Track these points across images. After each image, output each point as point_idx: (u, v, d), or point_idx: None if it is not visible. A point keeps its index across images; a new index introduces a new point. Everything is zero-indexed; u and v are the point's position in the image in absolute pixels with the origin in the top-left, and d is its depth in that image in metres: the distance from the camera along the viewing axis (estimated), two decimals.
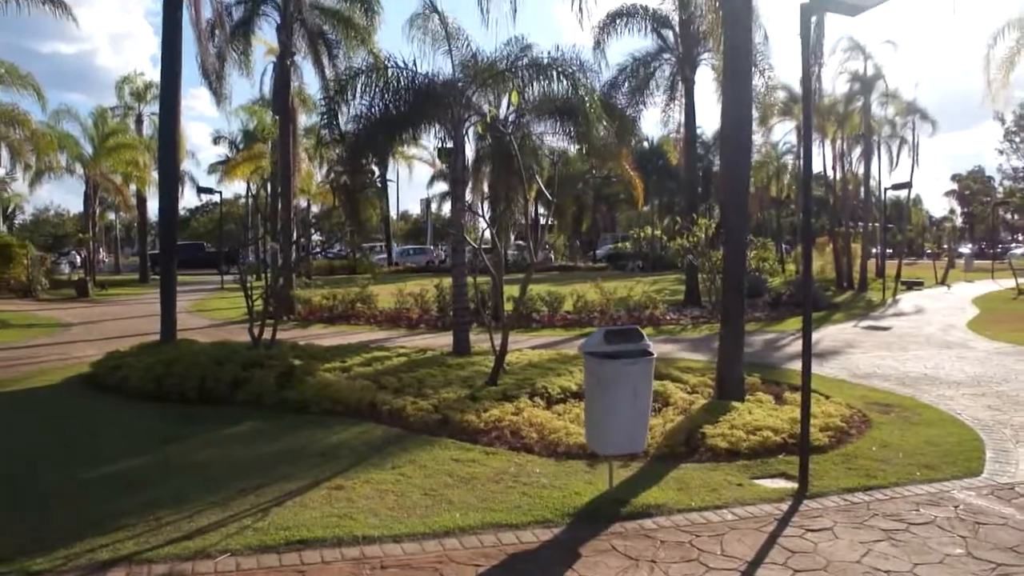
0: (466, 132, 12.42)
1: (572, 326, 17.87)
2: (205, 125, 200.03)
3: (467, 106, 11.99)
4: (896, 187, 32.25)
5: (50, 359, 12.99)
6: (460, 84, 12.20)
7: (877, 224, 36.43)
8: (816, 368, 11.81)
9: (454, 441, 7.47)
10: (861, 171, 33.96)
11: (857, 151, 33.51)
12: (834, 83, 36.14)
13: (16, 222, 56.45)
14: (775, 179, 43.13)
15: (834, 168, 33.01)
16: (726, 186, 8.96)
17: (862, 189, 34.82)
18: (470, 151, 14.64)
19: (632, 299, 20.00)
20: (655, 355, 5.80)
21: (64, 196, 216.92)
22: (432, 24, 12.53)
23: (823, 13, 6.00)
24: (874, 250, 35.59)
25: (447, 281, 16.07)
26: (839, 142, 31.94)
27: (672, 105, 24.05)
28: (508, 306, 19.70)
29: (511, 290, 20.28)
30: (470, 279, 13.44)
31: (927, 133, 37.60)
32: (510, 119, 14.89)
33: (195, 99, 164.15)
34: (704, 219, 19.58)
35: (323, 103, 12.45)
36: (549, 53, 12.84)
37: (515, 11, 10.73)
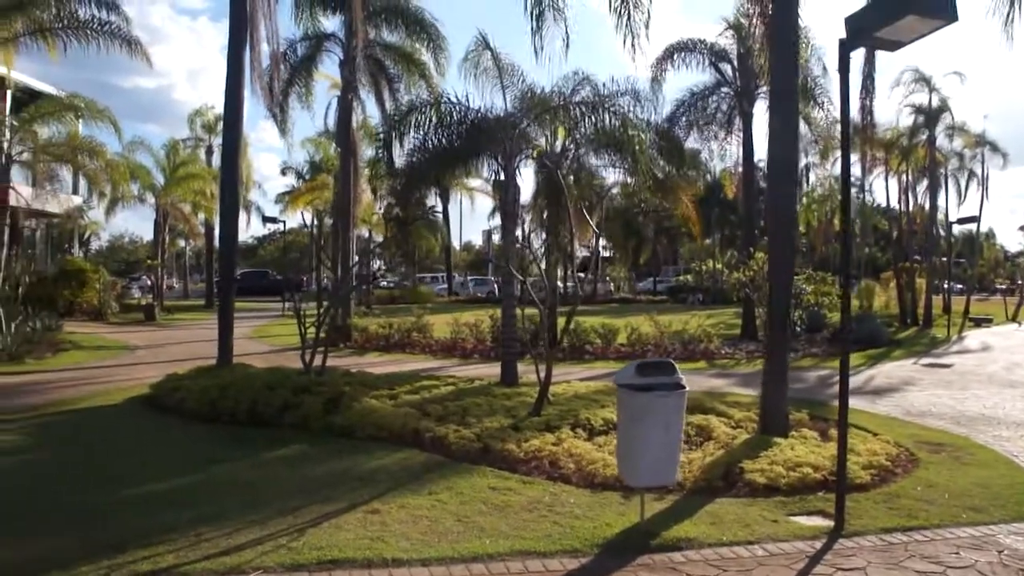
0: (517, 166, 12.61)
1: (625, 359, 17.75)
2: (275, 156, 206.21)
3: (519, 141, 12.18)
4: (962, 221, 31.48)
5: (115, 380, 13.50)
6: (512, 119, 12.41)
7: (945, 259, 35.47)
8: (868, 405, 11.63)
9: (493, 470, 7.53)
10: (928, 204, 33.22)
11: (924, 184, 32.81)
12: (898, 115, 35.55)
13: (92, 248, 58.68)
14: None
15: (900, 202, 32.38)
16: (770, 221, 8.93)
17: (929, 223, 34.02)
18: (529, 184, 14.94)
19: (687, 332, 19.84)
20: (688, 388, 5.82)
21: (139, 224, 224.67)
22: (485, 60, 12.81)
23: (867, 47, 6.01)
24: (944, 285, 34.64)
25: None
26: (905, 175, 31.33)
27: (730, 139, 24.00)
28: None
29: (563, 322, 20.41)
30: (520, 311, 13.55)
31: (998, 166, 36.64)
32: (568, 152, 15.11)
33: (265, 131, 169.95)
34: (762, 252, 19.39)
35: (380, 137, 12.80)
36: (605, 85, 13.06)
37: (567, 47, 10.93)
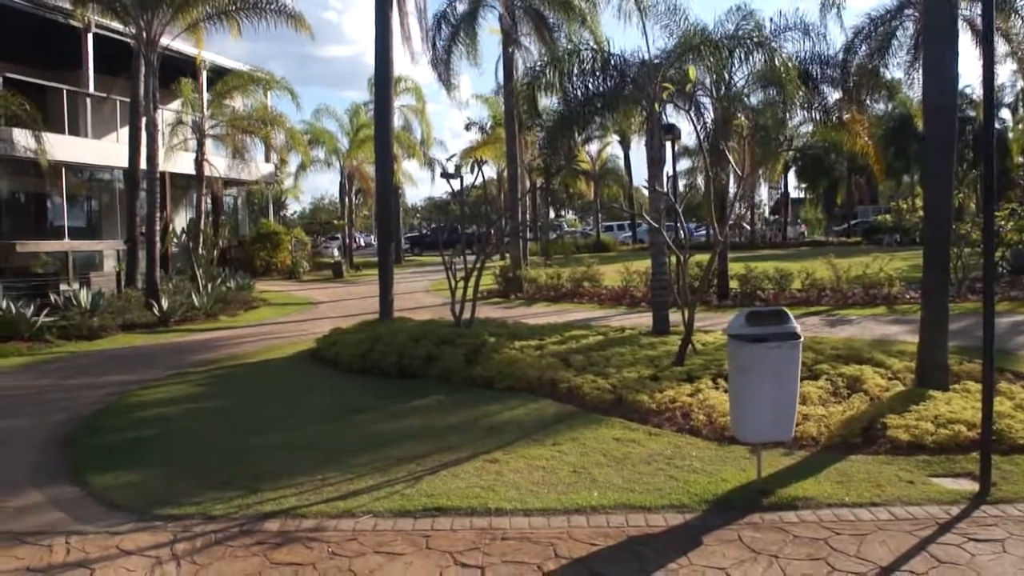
0: (662, 111, 12.16)
1: (799, 305, 16.87)
2: (468, 113, 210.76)
3: (662, 84, 11.75)
4: None
5: (291, 335, 14.53)
6: (657, 61, 11.96)
7: None
8: None
9: (623, 421, 7.47)
10: None
11: None
12: None
13: (291, 211, 62.95)
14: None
15: None
16: (926, 151, 8.11)
17: None
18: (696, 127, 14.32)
19: (867, 276, 18.52)
20: (802, 338, 5.43)
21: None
22: (627, 4, 12.40)
23: None
24: None
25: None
26: None
27: (916, 65, 21.75)
28: (733, 284, 19.13)
29: (737, 268, 19.64)
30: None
31: None
32: (723, 91, 14.43)
33: (455, 89, 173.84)
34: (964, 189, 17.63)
35: (524, 88, 12.77)
36: (772, 20, 12.30)
37: None
